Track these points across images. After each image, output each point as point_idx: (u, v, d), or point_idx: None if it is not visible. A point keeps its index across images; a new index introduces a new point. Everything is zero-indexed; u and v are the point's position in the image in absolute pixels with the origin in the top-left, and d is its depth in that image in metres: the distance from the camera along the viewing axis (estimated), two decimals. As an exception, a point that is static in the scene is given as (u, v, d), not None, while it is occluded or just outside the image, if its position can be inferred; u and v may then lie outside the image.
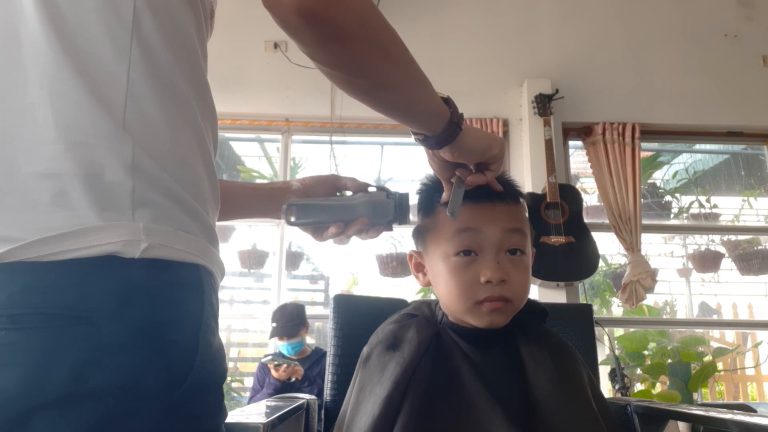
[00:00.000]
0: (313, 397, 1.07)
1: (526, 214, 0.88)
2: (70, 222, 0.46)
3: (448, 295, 0.83)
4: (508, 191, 0.85)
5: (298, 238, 3.27)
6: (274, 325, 2.80)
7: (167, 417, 0.46)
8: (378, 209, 0.82)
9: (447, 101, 0.74)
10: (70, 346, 0.43)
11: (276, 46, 3.13)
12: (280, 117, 3.17)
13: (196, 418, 0.50)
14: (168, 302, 0.48)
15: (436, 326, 0.88)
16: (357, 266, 4.92)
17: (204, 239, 0.53)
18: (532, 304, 0.90)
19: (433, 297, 0.96)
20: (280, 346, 2.83)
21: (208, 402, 0.52)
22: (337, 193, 0.88)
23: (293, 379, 2.75)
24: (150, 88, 0.51)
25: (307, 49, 0.56)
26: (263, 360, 2.85)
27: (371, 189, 0.84)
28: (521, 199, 0.88)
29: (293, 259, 3.21)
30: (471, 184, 0.80)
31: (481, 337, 0.84)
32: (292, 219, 0.80)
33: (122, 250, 0.46)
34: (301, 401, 1.00)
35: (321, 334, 3.96)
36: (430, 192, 0.89)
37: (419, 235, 0.91)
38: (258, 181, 4.09)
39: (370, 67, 0.60)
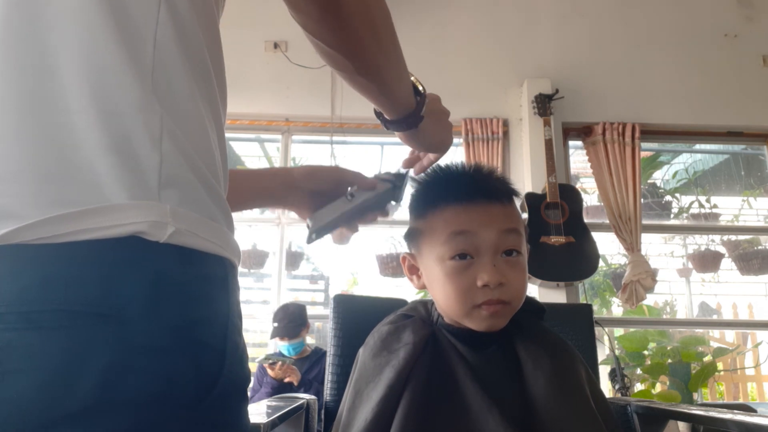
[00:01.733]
0: (313, 397, 1.07)
1: (521, 212, 0.87)
2: (90, 197, 0.41)
3: (445, 299, 0.82)
4: (502, 190, 0.84)
5: (298, 238, 3.27)
6: (276, 325, 2.80)
7: (197, 426, 0.43)
8: (384, 199, 0.82)
9: (419, 93, 0.75)
10: (97, 348, 0.38)
11: (276, 46, 3.12)
12: (280, 117, 3.17)
13: (223, 427, 0.46)
14: (198, 299, 0.44)
15: (431, 327, 0.87)
16: (357, 266, 4.93)
17: (225, 226, 0.49)
18: (530, 302, 0.88)
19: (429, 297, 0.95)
20: (281, 346, 2.83)
21: (236, 408, 0.48)
22: (348, 189, 0.85)
23: (286, 379, 2.75)
24: (176, 54, 0.47)
25: (303, 18, 0.56)
26: (258, 360, 2.86)
27: (378, 177, 0.83)
28: (515, 198, 0.87)
29: (293, 259, 3.21)
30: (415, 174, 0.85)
31: (477, 337, 0.83)
32: (314, 236, 0.81)
33: (148, 231, 0.41)
34: (301, 401, 1.00)
35: (321, 334, 3.97)
36: (421, 192, 0.88)
37: (412, 237, 0.89)
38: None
39: (360, 48, 0.60)
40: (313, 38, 0.60)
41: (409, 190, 0.86)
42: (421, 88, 0.75)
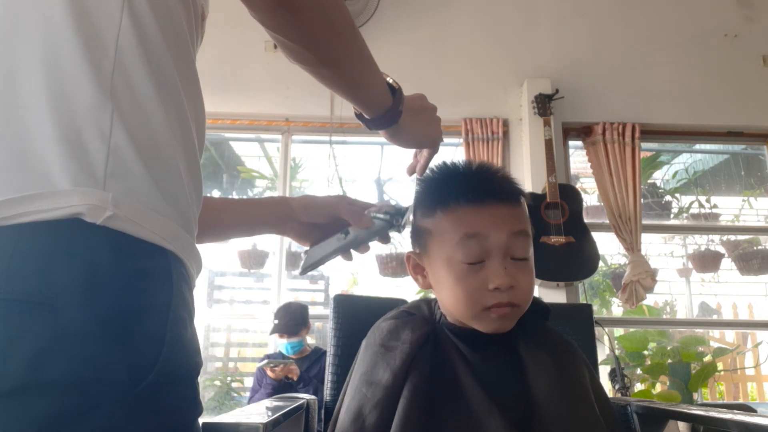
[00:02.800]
0: (313, 397, 1.07)
1: (527, 213, 0.86)
2: (37, 185, 0.44)
3: (454, 301, 0.81)
4: (510, 191, 0.84)
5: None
6: (276, 322, 2.81)
7: (131, 411, 0.44)
8: (379, 235, 0.84)
9: (395, 90, 0.77)
10: (29, 334, 0.41)
11: (276, 46, 3.12)
12: (280, 117, 3.17)
13: (164, 413, 0.48)
14: (134, 291, 0.46)
15: (433, 325, 0.86)
16: (357, 266, 4.92)
17: (177, 223, 0.51)
18: (535, 302, 0.87)
19: (432, 296, 0.95)
20: (281, 344, 2.84)
21: (179, 396, 0.50)
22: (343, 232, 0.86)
23: (288, 378, 2.75)
24: (137, 59, 0.50)
25: (258, 14, 0.61)
26: (259, 365, 2.87)
27: (374, 215, 0.83)
28: (522, 199, 0.86)
29: (293, 259, 3.21)
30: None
31: (479, 337, 0.82)
32: (307, 271, 0.87)
33: (86, 213, 0.44)
34: (301, 401, 1.00)
35: (321, 334, 3.96)
36: (429, 191, 0.86)
37: (419, 236, 0.87)
38: (258, 181, 4.09)
39: (316, 40, 0.63)
40: (273, 33, 0.63)
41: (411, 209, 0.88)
42: (396, 85, 0.77)
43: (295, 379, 2.75)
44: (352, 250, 0.84)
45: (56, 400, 0.41)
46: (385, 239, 0.85)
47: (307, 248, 0.88)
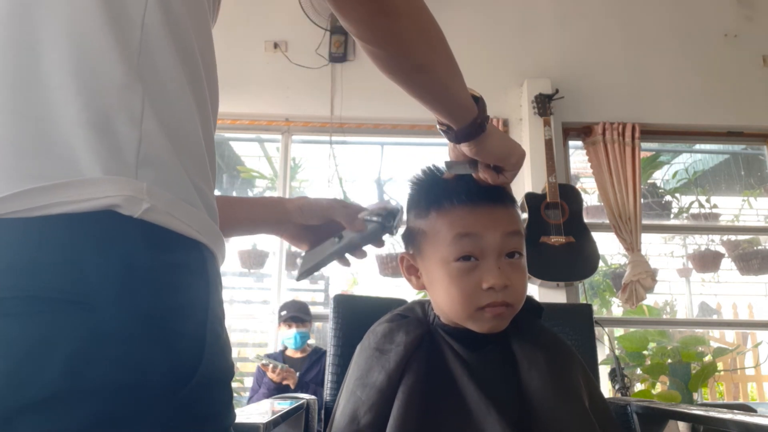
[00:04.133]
0: (313, 397, 1.07)
1: (520, 214, 0.88)
2: (65, 171, 0.40)
3: (448, 301, 0.82)
4: (505, 193, 0.85)
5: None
6: (284, 313, 2.84)
7: (173, 418, 0.41)
8: (372, 238, 0.83)
9: (477, 100, 0.75)
10: (64, 336, 0.37)
11: (276, 46, 3.12)
12: (280, 117, 3.17)
13: (204, 419, 0.45)
14: (173, 287, 0.42)
15: (427, 327, 0.87)
16: (357, 266, 4.92)
17: (207, 215, 0.47)
18: (528, 300, 0.88)
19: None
20: (287, 337, 2.84)
21: (217, 400, 0.47)
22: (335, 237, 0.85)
23: (284, 382, 2.75)
24: (164, 38, 0.46)
25: (354, 25, 0.59)
26: (254, 359, 2.88)
27: (367, 218, 0.83)
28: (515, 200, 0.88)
29: (293, 259, 3.21)
30: (482, 177, 0.80)
31: (473, 337, 0.83)
32: (303, 276, 0.87)
33: (123, 204, 0.40)
34: (301, 401, 1.00)
35: (321, 334, 3.96)
36: (422, 192, 0.87)
37: (412, 237, 0.88)
38: (258, 181, 4.08)
39: (412, 45, 0.63)
40: (366, 45, 0.62)
41: (404, 210, 0.86)
42: (477, 94, 0.76)
43: (292, 387, 2.75)
44: (348, 255, 0.84)
45: (96, 408, 0.37)
46: (379, 243, 0.84)
47: (303, 252, 0.89)
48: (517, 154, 0.80)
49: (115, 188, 0.40)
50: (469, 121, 0.74)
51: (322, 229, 0.85)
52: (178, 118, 0.47)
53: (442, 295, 0.83)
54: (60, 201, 0.39)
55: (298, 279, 0.87)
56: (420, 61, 0.65)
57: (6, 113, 0.40)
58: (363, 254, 0.84)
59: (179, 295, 0.43)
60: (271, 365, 2.75)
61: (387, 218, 0.81)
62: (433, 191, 0.85)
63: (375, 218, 0.81)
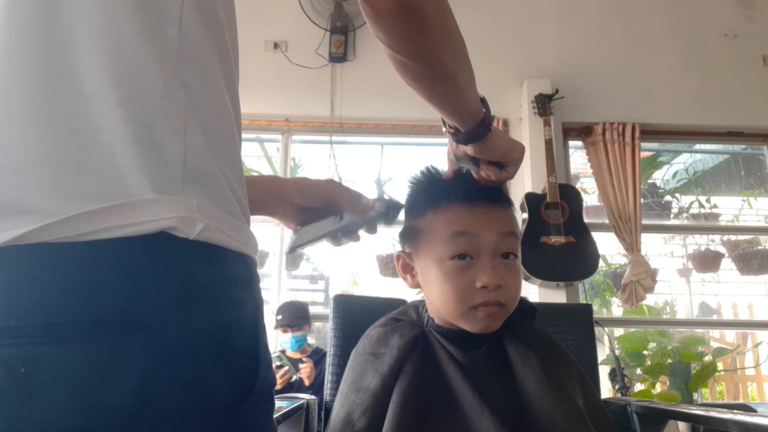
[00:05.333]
0: (313, 397, 1.07)
1: (515, 215, 0.88)
2: (112, 189, 0.37)
3: (442, 299, 0.82)
4: (502, 194, 0.85)
5: (298, 238, 3.26)
6: (279, 317, 2.82)
7: None
8: (371, 223, 0.83)
9: (482, 101, 0.75)
10: (130, 360, 0.36)
11: (276, 46, 3.12)
12: (280, 117, 3.17)
13: (254, 431, 0.44)
14: (230, 303, 0.42)
15: (421, 329, 0.87)
16: (357, 266, 4.92)
17: (245, 223, 0.46)
18: (521, 301, 0.89)
19: None
20: (284, 341, 2.83)
21: (269, 412, 0.47)
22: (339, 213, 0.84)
23: (294, 378, 2.74)
24: (202, 38, 0.44)
25: (389, 37, 0.58)
26: (275, 357, 2.86)
27: (368, 201, 0.82)
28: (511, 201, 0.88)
29: (293, 259, 3.21)
30: (484, 174, 0.80)
31: (467, 338, 0.83)
32: (295, 250, 0.85)
33: (178, 227, 0.38)
34: (301, 401, 1.00)
35: (321, 334, 3.96)
36: (419, 192, 0.87)
37: (408, 236, 0.88)
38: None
39: (442, 58, 0.62)
40: (396, 55, 0.61)
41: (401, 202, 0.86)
42: (480, 94, 0.76)
43: (306, 384, 2.71)
44: (343, 237, 0.82)
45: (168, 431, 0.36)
46: (374, 230, 0.83)
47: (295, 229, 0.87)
48: (518, 149, 0.80)
49: (168, 209, 0.38)
50: (476, 124, 0.74)
51: (319, 212, 0.83)
52: (217, 124, 0.45)
53: (436, 293, 0.83)
54: (114, 225, 0.37)
55: (289, 252, 0.86)
56: (446, 72, 0.65)
57: (42, 124, 0.38)
58: (357, 238, 0.83)
59: (235, 311, 0.42)
60: (282, 370, 2.71)
61: (391, 209, 0.81)
62: (431, 190, 0.85)
63: (378, 205, 0.81)
